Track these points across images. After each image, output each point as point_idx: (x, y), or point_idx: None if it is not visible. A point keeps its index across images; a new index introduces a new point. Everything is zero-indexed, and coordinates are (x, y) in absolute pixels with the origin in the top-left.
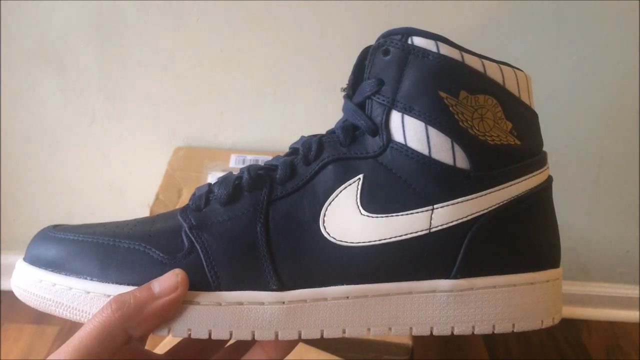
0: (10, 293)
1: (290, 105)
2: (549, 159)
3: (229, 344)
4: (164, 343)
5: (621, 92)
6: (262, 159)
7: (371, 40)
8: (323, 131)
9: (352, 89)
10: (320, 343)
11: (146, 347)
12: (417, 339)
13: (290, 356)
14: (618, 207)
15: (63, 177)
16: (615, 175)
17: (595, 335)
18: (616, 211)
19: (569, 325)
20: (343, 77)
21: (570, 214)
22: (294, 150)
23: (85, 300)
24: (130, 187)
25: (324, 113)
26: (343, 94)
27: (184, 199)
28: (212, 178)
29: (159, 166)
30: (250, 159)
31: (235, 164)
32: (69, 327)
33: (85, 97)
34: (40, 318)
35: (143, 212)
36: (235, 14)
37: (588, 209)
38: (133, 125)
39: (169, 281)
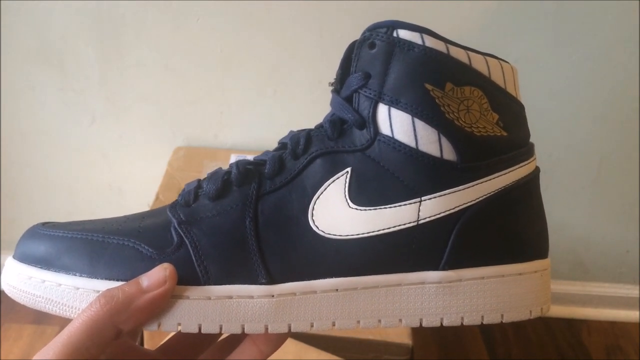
0: None
1: (290, 105)
2: (550, 159)
3: (220, 339)
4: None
5: (621, 92)
6: None
7: None
8: None
9: (340, 83)
10: (320, 343)
11: (147, 346)
12: (417, 338)
13: (290, 356)
14: (618, 207)
15: (63, 177)
16: (615, 175)
17: (595, 335)
18: (616, 211)
19: (569, 325)
20: None
21: (570, 214)
22: (282, 145)
23: (75, 296)
24: (130, 187)
25: (324, 113)
26: (331, 88)
27: None
28: None
29: (159, 166)
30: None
31: None
32: None
33: (85, 97)
34: (40, 318)
35: None
36: (235, 14)
37: (588, 208)
38: (133, 125)
39: (157, 275)
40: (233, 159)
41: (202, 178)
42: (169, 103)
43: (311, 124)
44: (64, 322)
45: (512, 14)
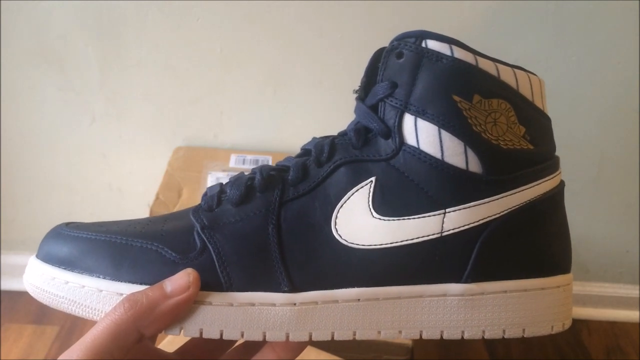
0: (10, 293)
1: (290, 105)
2: None
3: (238, 343)
4: (167, 340)
5: (621, 92)
6: (262, 159)
7: (371, 40)
8: (324, 131)
9: (365, 91)
10: (320, 343)
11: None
12: (417, 339)
13: None
14: (618, 207)
15: (63, 177)
16: (615, 175)
17: (595, 335)
18: (616, 211)
19: None
20: (343, 77)
21: (570, 214)
22: (305, 151)
23: (98, 298)
24: (130, 187)
25: (323, 113)
26: (355, 95)
27: (184, 199)
28: (212, 178)
29: (159, 166)
30: (250, 159)
31: (235, 164)
32: (69, 327)
33: (85, 97)
34: (40, 318)
35: (143, 212)
36: (235, 14)
37: (588, 208)
38: (133, 125)
39: (180, 280)
40: (233, 159)
41: (202, 178)
42: (169, 103)
43: (311, 124)
44: (63, 322)
45: (512, 14)
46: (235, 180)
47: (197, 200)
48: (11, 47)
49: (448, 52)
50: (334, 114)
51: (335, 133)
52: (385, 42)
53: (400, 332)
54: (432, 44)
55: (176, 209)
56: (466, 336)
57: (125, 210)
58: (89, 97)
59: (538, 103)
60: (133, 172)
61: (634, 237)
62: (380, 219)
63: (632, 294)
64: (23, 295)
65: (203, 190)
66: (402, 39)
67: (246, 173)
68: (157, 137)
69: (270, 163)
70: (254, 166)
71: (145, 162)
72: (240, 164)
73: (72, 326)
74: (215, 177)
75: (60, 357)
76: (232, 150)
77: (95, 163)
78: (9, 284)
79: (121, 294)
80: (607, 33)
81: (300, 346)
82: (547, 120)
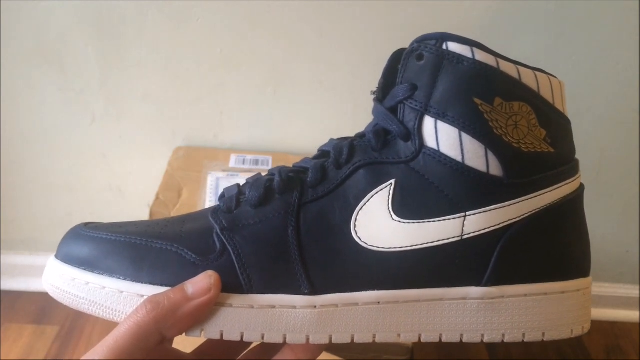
0: (10, 293)
1: (290, 105)
2: None
3: (256, 344)
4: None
5: (621, 92)
6: (262, 159)
7: (371, 40)
8: (324, 131)
9: (383, 92)
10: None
11: None
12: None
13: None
14: (618, 207)
15: (63, 177)
16: (615, 175)
17: (595, 335)
18: (616, 211)
19: None
20: (343, 77)
21: None
22: (323, 153)
23: (119, 299)
24: (130, 187)
25: (324, 113)
26: (373, 97)
27: (184, 199)
28: (212, 178)
29: (159, 166)
30: (250, 159)
31: (235, 164)
32: (69, 327)
33: (85, 97)
34: (41, 318)
35: (143, 212)
36: (235, 14)
37: (588, 208)
38: (133, 125)
39: (202, 283)
40: (233, 159)
41: (202, 178)
42: (169, 103)
43: (312, 124)
44: (64, 322)
45: (512, 14)
46: (254, 182)
47: (197, 200)
48: (11, 47)
49: (469, 55)
50: (335, 113)
51: (336, 133)
52: (385, 42)
53: (420, 335)
54: (453, 47)
55: (176, 209)
56: (486, 340)
57: (125, 210)
58: (89, 97)
59: (559, 105)
60: (133, 172)
61: (634, 237)
62: (400, 221)
63: (632, 294)
64: (23, 295)
65: (203, 190)
66: (422, 41)
67: (263, 174)
68: (157, 137)
69: (270, 163)
70: (254, 166)
71: (145, 162)
72: (240, 164)
73: (72, 326)
74: (215, 177)
75: (82, 358)
76: (232, 150)
77: (95, 163)
78: (9, 284)
79: (142, 296)
80: (607, 33)
81: (320, 348)
82: (568, 122)
